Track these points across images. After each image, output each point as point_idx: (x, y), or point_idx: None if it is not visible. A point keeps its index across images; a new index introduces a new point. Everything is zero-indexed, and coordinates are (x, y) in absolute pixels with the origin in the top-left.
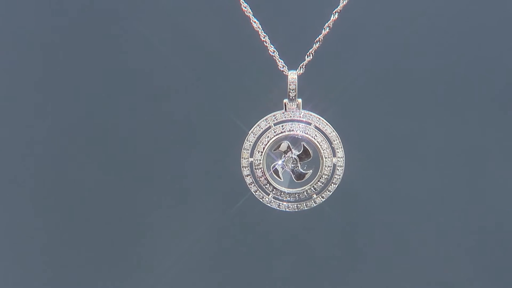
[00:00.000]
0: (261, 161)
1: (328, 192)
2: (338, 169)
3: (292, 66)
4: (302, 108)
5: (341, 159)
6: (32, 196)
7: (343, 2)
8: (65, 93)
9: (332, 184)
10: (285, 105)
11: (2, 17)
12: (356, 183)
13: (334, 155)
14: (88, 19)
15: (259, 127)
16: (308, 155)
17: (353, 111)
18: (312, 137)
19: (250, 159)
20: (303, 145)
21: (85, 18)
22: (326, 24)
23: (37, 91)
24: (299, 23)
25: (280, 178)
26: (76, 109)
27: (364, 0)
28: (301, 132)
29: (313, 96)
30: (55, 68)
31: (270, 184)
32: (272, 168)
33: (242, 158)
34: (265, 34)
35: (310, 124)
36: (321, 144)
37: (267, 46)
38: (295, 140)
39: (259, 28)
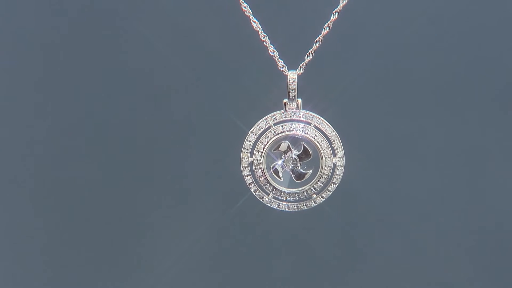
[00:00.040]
0: (261, 161)
1: (328, 192)
2: (338, 169)
3: (292, 66)
4: (302, 108)
5: (341, 159)
6: (32, 196)
7: (343, 2)
8: (65, 93)
9: (332, 184)
10: (285, 105)
11: (2, 17)
12: (356, 183)
13: (334, 155)
14: (88, 19)
15: (259, 127)
16: (308, 155)
17: (353, 111)
18: (312, 137)
19: (250, 159)
20: (303, 145)
21: (85, 18)
22: (326, 24)
23: (37, 91)
24: (299, 23)
25: (280, 178)
26: (76, 109)
27: (364, 0)
28: (301, 132)
29: (313, 96)
30: (55, 68)
31: (270, 184)
32: (272, 168)
33: (242, 158)
34: (265, 34)
35: (310, 124)
36: (321, 144)
37: (267, 46)
38: (295, 140)
39: (259, 28)
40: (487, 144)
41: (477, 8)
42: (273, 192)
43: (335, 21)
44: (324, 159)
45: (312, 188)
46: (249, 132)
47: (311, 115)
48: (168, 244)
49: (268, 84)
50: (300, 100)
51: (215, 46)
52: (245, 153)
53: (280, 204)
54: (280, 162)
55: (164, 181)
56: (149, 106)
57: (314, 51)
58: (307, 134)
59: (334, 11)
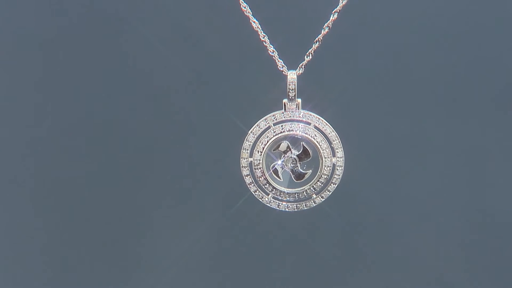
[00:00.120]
0: (261, 161)
1: (328, 192)
2: (337, 169)
3: (291, 66)
4: (301, 108)
5: (341, 159)
6: (32, 196)
7: (342, 2)
8: (65, 93)
9: (332, 184)
10: (284, 105)
11: (2, 17)
12: (355, 183)
13: (334, 155)
14: (88, 19)
15: (259, 127)
16: (307, 155)
17: (352, 111)
18: (311, 137)
19: (250, 159)
20: (302, 145)
21: (85, 18)
22: (326, 24)
23: (37, 91)
24: (299, 23)
25: (280, 178)
26: (76, 109)
27: (364, 0)
28: (300, 132)
29: (313, 96)
30: (55, 68)
31: (270, 184)
32: (272, 168)
33: (242, 158)
34: (264, 34)
35: (309, 124)
36: (320, 144)
37: (266, 46)
38: (294, 140)
39: (259, 28)
40: (487, 144)
41: (477, 8)
42: (273, 192)
43: (334, 21)
44: (323, 159)
45: (311, 188)
46: (249, 132)
47: (310, 115)
48: (168, 244)
49: (267, 84)
50: (299, 100)
51: (215, 46)
52: (244, 153)
53: (280, 204)
54: (279, 162)
55: (164, 181)
56: (149, 106)
57: (314, 51)
58: (306, 134)
59: (333, 11)
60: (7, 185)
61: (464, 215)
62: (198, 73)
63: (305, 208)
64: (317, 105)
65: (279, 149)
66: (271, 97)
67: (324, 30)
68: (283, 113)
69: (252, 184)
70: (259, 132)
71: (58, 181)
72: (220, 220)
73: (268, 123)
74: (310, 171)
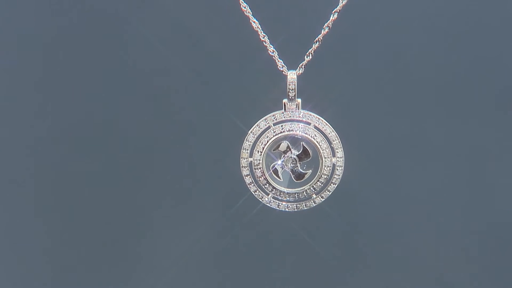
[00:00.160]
0: (261, 161)
1: (328, 192)
2: (337, 169)
3: (291, 66)
4: (301, 108)
5: (341, 159)
6: (32, 196)
7: (342, 2)
8: (65, 93)
9: (332, 184)
10: (284, 105)
11: (2, 17)
12: (355, 183)
13: (334, 155)
14: (88, 19)
15: (259, 127)
16: (307, 155)
17: (352, 111)
18: (311, 137)
19: (250, 159)
20: (302, 145)
21: (85, 18)
22: (326, 24)
23: (37, 91)
24: (299, 23)
25: (280, 178)
26: (76, 109)
27: (364, 0)
28: (300, 132)
29: (313, 96)
30: (55, 68)
31: (270, 184)
32: (272, 168)
33: (242, 158)
34: (264, 34)
35: (309, 124)
36: (320, 144)
37: (266, 46)
38: (294, 140)
39: (259, 28)
40: (487, 144)
41: (477, 8)
42: (273, 192)
43: (334, 21)
44: (323, 159)
45: (311, 188)
46: (249, 132)
47: (310, 115)
48: (168, 244)
49: (267, 84)
50: (299, 100)
51: (215, 46)
52: (244, 153)
53: (280, 204)
54: (279, 162)
55: (164, 181)
56: (149, 106)
57: (314, 51)
58: (306, 134)
59: (333, 11)
60: (7, 185)
61: (464, 215)
62: (198, 73)
63: (305, 208)
64: (317, 105)
65: (279, 149)
66: (271, 97)
67: (324, 30)
68: (283, 113)
69: (252, 184)
70: (259, 132)
71: (58, 181)
72: (220, 220)
73: (268, 123)
74: (310, 171)
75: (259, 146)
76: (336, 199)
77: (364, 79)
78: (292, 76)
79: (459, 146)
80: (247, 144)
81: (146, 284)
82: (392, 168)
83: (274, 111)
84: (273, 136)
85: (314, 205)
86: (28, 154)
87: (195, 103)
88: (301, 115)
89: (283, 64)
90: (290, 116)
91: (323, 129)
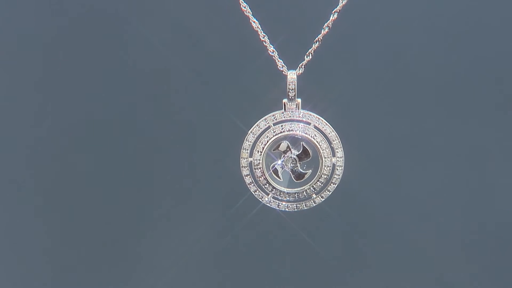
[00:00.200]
0: (261, 161)
1: (328, 192)
2: (337, 169)
3: (291, 66)
4: (301, 108)
5: (341, 159)
6: (32, 196)
7: (342, 2)
8: (65, 93)
9: (332, 184)
10: (284, 105)
11: (2, 17)
12: (355, 183)
13: (334, 155)
14: (88, 19)
15: (259, 127)
16: (307, 155)
17: (352, 111)
18: (311, 137)
19: (250, 159)
20: (302, 145)
21: (85, 18)
22: (326, 24)
23: (37, 91)
24: (299, 23)
25: (280, 178)
26: (76, 109)
27: (364, 0)
28: (300, 132)
29: (313, 96)
30: (55, 68)
31: (270, 184)
32: (272, 168)
33: (242, 158)
34: (264, 34)
35: (309, 124)
36: (320, 144)
37: (266, 46)
38: (294, 140)
39: (259, 28)
40: (487, 144)
41: (477, 8)
42: (273, 192)
43: (334, 21)
44: (323, 159)
45: (311, 188)
46: (249, 132)
47: (310, 115)
48: (168, 244)
49: (267, 84)
50: (299, 100)
51: (215, 46)
52: (244, 153)
53: (280, 204)
54: (279, 162)
55: (164, 181)
56: (149, 106)
57: (314, 51)
58: (306, 134)
59: (333, 11)
60: (7, 185)
61: (464, 215)
62: (198, 73)
63: (305, 208)
64: (317, 105)
65: (279, 149)
66: (271, 97)
67: (324, 30)
68: (283, 113)
69: (252, 184)
70: (259, 132)
71: (58, 181)
72: (220, 220)
73: (268, 123)
74: (310, 171)
75: (259, 146)
76: (336, 199)
77: (364, 79)
78: (292, 76)
79: (459, 146)
80: (247, 144)
81: (146, 284)
82: (392, 168)
83: (274, 111)
84: (273, 136)
85: (314, 205)
86: (28, 154)
87: (195, 103)
88: (301, 115)
89: (283, 64)
90: (290, 116)
91: (323, 129)
